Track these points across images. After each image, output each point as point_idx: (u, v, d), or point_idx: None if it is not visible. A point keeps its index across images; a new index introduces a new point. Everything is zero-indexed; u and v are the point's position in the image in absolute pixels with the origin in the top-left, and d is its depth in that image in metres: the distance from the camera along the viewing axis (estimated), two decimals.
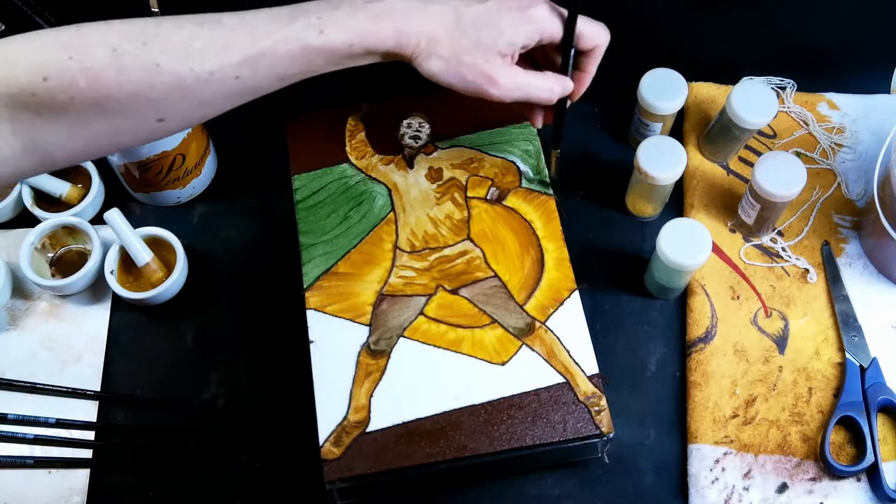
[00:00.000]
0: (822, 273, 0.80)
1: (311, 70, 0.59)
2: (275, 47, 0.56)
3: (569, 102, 0.70)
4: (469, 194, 0.77)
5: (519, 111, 0.68)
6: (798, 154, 0.85)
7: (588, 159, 0.87)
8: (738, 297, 0.79)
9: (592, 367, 0.69)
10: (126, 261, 0.80)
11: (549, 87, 0.64)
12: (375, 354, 0.69)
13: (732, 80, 0.87)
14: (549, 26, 0.62)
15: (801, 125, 0.87)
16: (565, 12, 0.63)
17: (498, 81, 0.61)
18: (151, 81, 0.54)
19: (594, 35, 0.65)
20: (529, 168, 0.77)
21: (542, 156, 0.78)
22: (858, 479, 0.72)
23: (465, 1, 0.61)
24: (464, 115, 0.80)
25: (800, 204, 0.83)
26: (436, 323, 0.71)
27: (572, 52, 0.65)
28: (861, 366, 0.75)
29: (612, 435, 0.67)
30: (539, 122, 0.71)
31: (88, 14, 0.75)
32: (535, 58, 0.68)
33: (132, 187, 0.83)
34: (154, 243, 0.80)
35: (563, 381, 0.68)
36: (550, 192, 0.76)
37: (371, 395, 0.68)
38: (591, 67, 0.67)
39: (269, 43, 0.56)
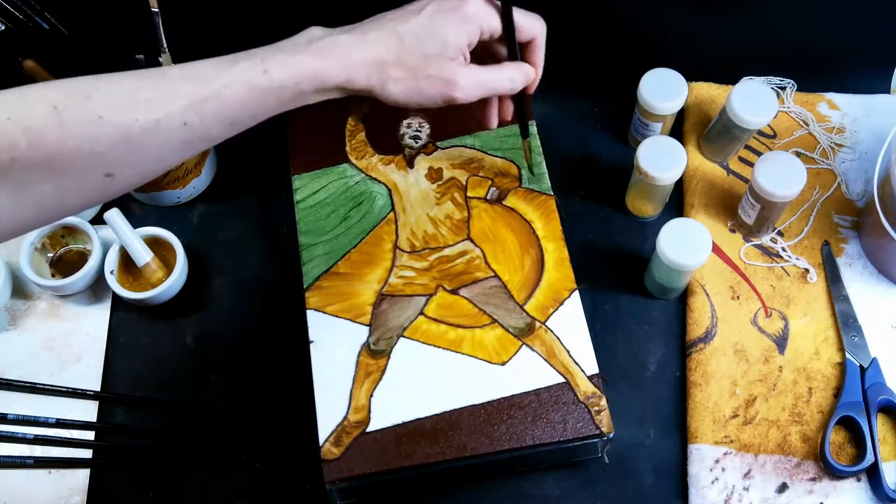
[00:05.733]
0: (822, 273, 0.80)
1: (262, 113, 0.58)
2: (221, 91, 0.55)
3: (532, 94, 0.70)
4: (469, 194, 0.77)
5: (475, 113, 0.68)
6: (798, 154, 0.85)
7: (588, 159, 0.87)
8: (738, 297, 0.79)
9: (592, 367, 0.69)
10: (126, 261, 0.80)
11: (508, 76, 0.64)
12: (375, 354, 0.69)
13: (732, 80, 0.87)
14: (486, 20, 0.62)
15: (801, 125, 0.87)
16: (499, 3, 0.63)
17: (458, 84, 0.61)
18: (95, 134, 0.52)
19: (529, 27, 0.64)
20: (529, 167, 0.77)
21: (541, 154, 0.78)
22: (858, 479, 0.72)
23: (401, 18, 0.60)
24: (464, 115, 0.80)
25: (800, 204, 0.83)
26: (436, 323, 0.71)
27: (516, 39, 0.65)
28: (861, 366, 0.75)
29: (612, 435, 0.67)
30: (493, 122, 0.70)
31: (88, 14, 0.75)
32: (482, 55, 0.67)
33: None
34: (154, 243, 0.80)
35: (563, 381, 0.68)
36: (550, 191, 0.76)
37: (371, 395, 0.68)
38: (537, 58, 0.66)
39: (215, 87, 0.55)
